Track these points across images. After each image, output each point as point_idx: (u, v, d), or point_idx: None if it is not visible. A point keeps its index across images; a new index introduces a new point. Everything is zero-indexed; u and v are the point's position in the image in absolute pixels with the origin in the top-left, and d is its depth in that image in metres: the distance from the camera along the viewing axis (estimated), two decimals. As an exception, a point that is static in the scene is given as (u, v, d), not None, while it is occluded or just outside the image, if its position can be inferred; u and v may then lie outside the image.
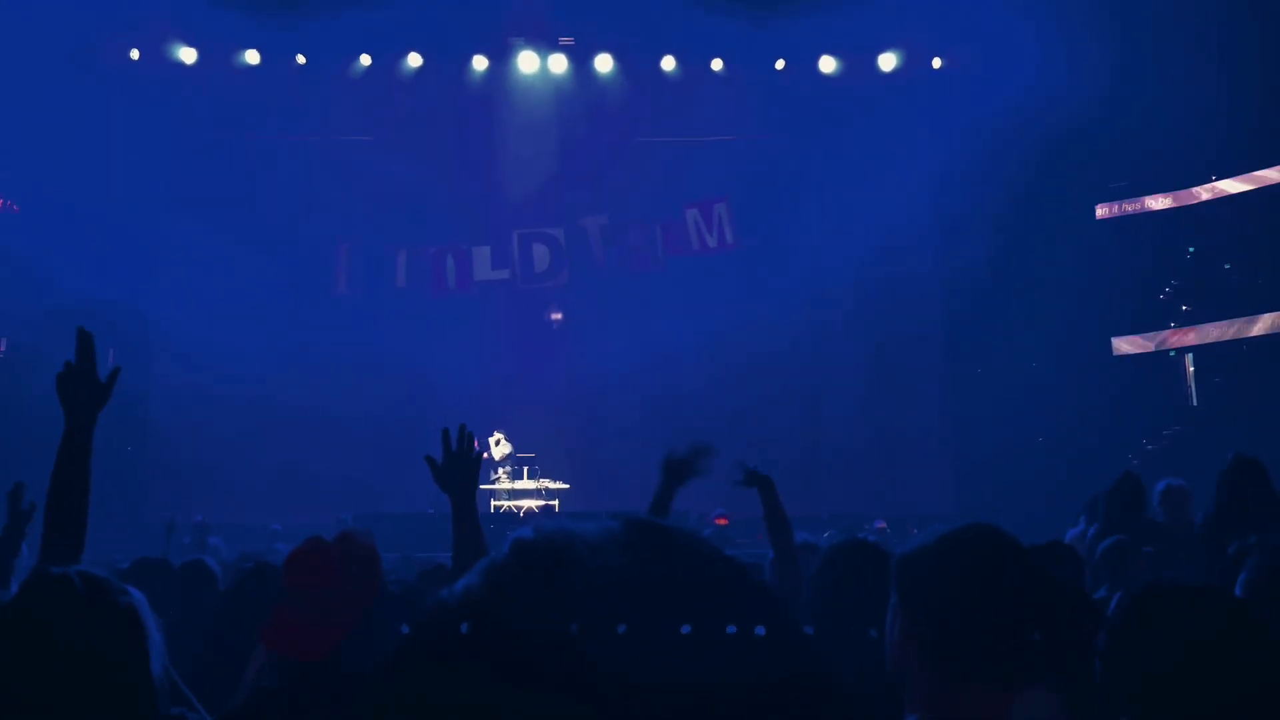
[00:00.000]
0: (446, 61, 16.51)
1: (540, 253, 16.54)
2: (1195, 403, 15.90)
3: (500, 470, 14.43)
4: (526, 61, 16.74)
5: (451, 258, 16.33)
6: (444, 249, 16.33)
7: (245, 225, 15.09)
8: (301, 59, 16.06)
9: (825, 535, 8.49)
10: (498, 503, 14.31)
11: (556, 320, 17.02)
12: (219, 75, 16.06)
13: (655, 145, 16.43)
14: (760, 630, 0.70)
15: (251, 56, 16.04)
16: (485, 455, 14.55)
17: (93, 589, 1.61)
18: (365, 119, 16.26)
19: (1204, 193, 15.47)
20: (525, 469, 14.42)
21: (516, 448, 14.64)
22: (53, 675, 1.51)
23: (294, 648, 2.01)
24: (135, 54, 15.75)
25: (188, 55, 15.98)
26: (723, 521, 11.60)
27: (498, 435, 14.58)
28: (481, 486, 14.93)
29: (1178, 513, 5.32)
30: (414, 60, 16.39)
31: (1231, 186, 15.21)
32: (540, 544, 0.76)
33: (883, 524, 12.46)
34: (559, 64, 16.79)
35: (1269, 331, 14.79)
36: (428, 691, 0.69)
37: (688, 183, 16.20)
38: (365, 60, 16.26)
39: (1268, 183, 14.90)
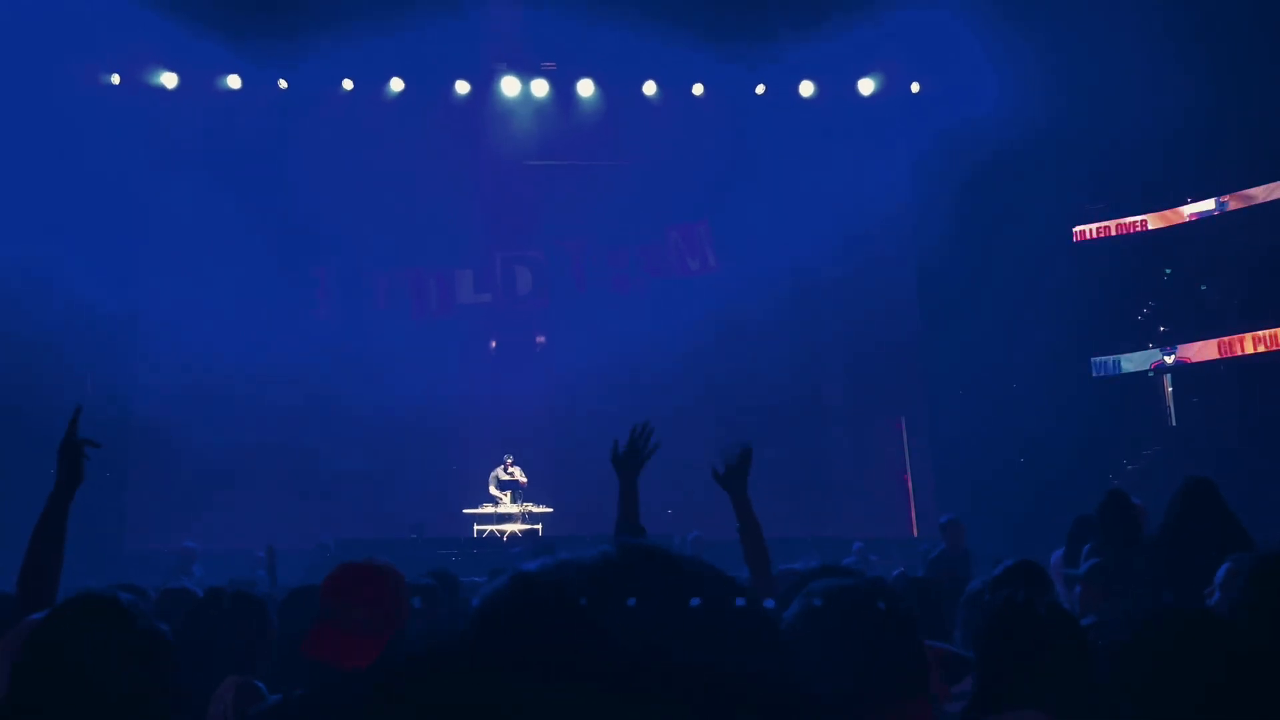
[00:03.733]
0: (429, 87, 16.58)
1: (523, 275, 16.57)
2: (1174, 423, 16.04)
3: (502, 492, 14.40)
4: (509, 86, 16.83)
5: (433, 280, 16.34)
6: (426, 272, 16.34)
7: (227, 248, 15.03)
8: (283, 84, 16.11)
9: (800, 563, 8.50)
10: (481, 527, 14.24)
11: (540, 343, 17.03)
12: (200, 99, 16.10)
13: (636, 168, 16.49)
14: (755, 662, 0.72)
15: (233, 81, 16.08)
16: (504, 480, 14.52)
17: (136, 612, 1.64)
18: (347, 142, 16.27)
19: (1180, 214, 15.66)
20: (508, 493, 14.37)
21: (496, 471, 14.62)
22: (92, 691, 1.52)
23: (336, 657, 2.20)
24: (116, 79, 15.77)
25: (169, 80, 16.01)
26: None
27: (509, 465, 14.57)
28: (465, 511, 14.76)
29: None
30: (396, 85, 16.45)
31: (1207, 208, 15.40)
32: (541, 578, 0.76)
33: (860, 545, 12.45)
34: (541, 89, 16.89)
35: (1246, 352, 14.94)
36: None
37: (669, 204, 16.28)
38: (348, 85, 16.31)
39: (1242, 204, 15.09)
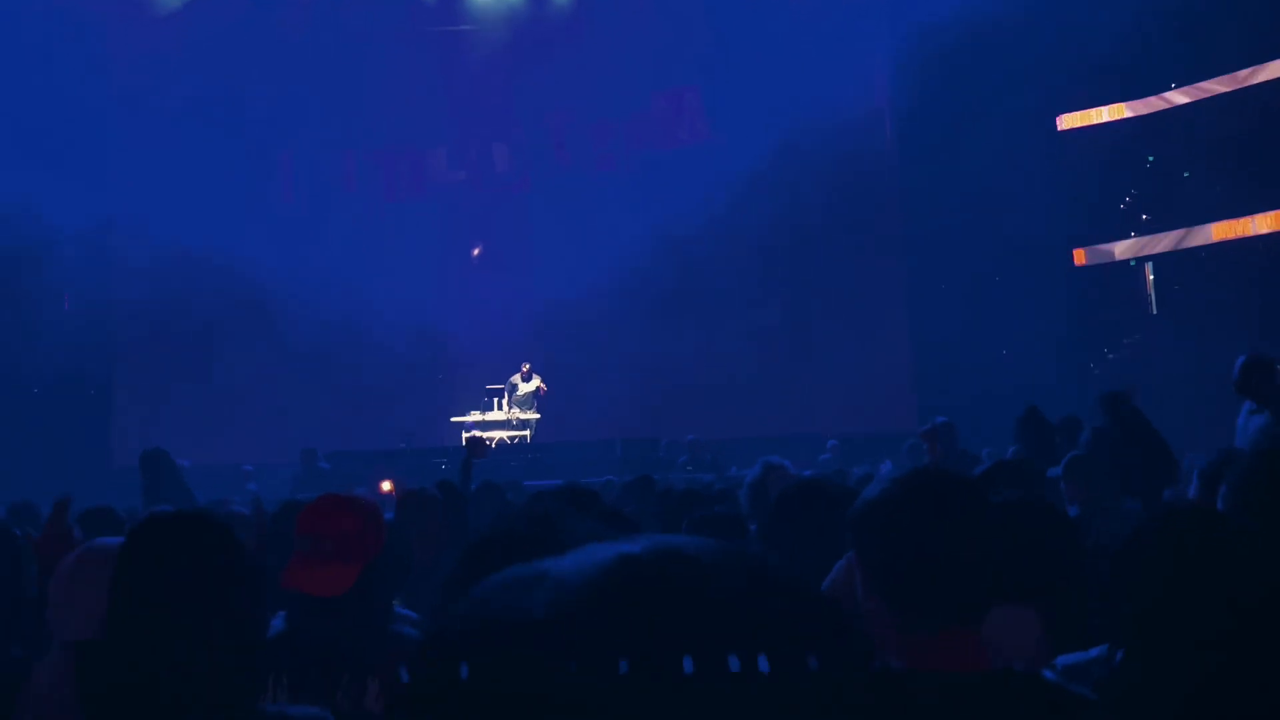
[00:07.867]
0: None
1: (500, 152, 15.99)
2: (1155, 311, 16.11)
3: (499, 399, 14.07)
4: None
5: (405, 160, 15.71)
6: (396, 151, 15.69)
7: (193, 138, 14.54)
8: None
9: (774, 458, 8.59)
10: (469, 434, 14.21)
11: (477, 256, 16.52)
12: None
13: (618, 34, 15.69)
14: None
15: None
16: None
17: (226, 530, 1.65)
18: (310, 31, 15.58)
19: (1164, 101, 15.49)
20: (496, 399, 14.14)
21: (483, 372, 14.40)
22: (190, 612, 1.51)
23: (311, 586, 2.27)
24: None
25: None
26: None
27: (527, 368, 14.21)
28: (452, 419, 14.60)
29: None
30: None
31: (1189, 95, 15.23)
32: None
33: (835, 442, 12.53)
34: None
35: (1226, 238, 14.95)
36: None
37: (654, 70, 15.69)
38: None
39: (1224, 89, 14.94)
